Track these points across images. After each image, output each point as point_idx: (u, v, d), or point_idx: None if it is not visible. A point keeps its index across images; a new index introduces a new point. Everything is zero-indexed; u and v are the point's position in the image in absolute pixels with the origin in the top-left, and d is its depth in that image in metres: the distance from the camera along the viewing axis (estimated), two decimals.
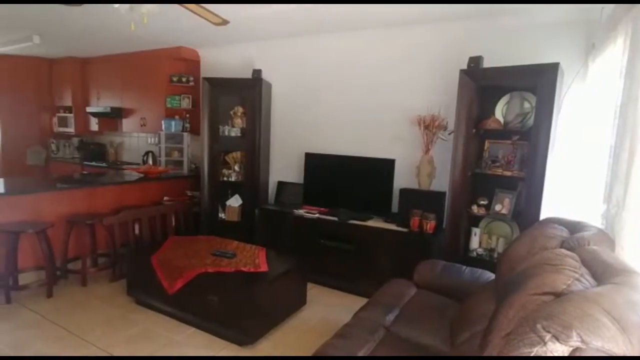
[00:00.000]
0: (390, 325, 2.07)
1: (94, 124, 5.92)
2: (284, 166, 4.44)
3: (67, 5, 2.49)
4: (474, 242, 3.18)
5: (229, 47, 4.70)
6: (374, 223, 3.46)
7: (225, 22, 2.69)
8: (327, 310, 3.19)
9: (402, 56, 3.66)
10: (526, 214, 2.77)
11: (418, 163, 3.43)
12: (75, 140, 6.22)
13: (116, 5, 2.25)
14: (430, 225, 3.19)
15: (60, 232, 3.44)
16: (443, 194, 3.28)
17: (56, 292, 3.24)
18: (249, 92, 4.10)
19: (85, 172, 5.20)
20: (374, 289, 2.63)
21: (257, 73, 4.11)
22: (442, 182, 3.36)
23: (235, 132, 4.18)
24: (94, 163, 5.65)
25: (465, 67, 2.96)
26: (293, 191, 4.22)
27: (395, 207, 3.53)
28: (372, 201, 3.68)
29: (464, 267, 2.56)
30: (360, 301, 3.24)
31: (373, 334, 1.94)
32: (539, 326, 0.96)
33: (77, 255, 3.56)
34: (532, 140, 2.73)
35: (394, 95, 3.71)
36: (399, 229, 3.31)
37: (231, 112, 4.20)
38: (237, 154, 4.26)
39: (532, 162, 2.74)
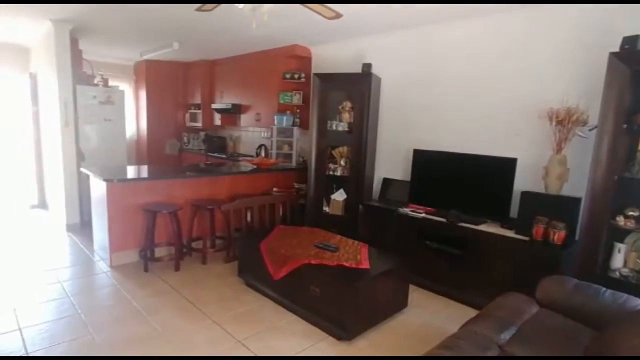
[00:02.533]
0: (505, 345, 1.83)
1: (217, 119, 6.58)
2: (390, 162, 4.31)
3: (201, 11, 2.76)
4: (618, 261, 2.65)
5: (340, 42, 4.75)
6: (488, 228, 3.13)
7: (338, 16, 2.68)
8: (429, 316, 3.01)
9: (525, 41, 3.23)
10: None
11: (546, 163, 2.99)
12: (202, 134, 7.01)
13: (240, 6, 2.42)
14: (558, 235, 2.76)
15: (187, 214, 3.89)
16: (578, 200, 2.80)
17: (182, 267, 3.68)
18: (358, 86, 4.07)
19: (208, 163, 5.81)
20: (484, 300, 2.38)
21: (366, 67, 4.07)
22: (576, 187, 2.88)
23: (342, 126, 4.20)
24: (216, 154, 6.28)
25: (615, 49, 2.47)
26: (398, 188, 4.08)
27: (514, 211, 3.14)
28: (487, 204, 3.34)
29: (603, 288, 2.15)
30: (467, 311, 3.02)
31: (484, 350, 1.73)
32: None
33: (199, 236, 3.99)
34: None
35: (516, 86, 3.30)
36: (519, 236, 2.94)
37: (339, 107, 4.23)
38: (344, 149, 4.28)
39: None
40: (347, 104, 4.20)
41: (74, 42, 4.76)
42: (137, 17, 4.11)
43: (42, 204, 5.89)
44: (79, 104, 4.85)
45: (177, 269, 3.63)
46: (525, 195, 3.01)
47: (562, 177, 2.91)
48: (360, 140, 4.09)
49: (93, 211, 4.07)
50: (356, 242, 3.27)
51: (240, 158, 5.72)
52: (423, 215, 3.50)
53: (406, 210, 3.63)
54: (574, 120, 2.81)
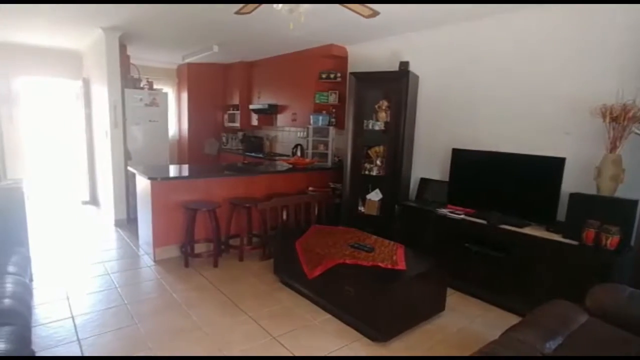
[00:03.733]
0: (550, 355, 1.73)
1: (254, 120, 6.72)
2: (428, 162, 4.22)
3: (240, 14, 2.82)
4: None
5: (376, 41, 4.70)
6: (532, 231, 2.98)
7: (375, 14, 2.65)
8: (467, 320, 2.90)
9: (574, 33, 3.05)
10: None
11: (597, 163, 2.80)
12: (239, 134, 7.17)
13: (278, 7, 2.44)
14: (612, 240, 2.57)
15: (225, 212, 4.00)
16: (634, 202, 2.60)
17: (220, 263, 3.78)
18: (395, 85, 4.01)
19: (245, 162, 5.94)
20: (526, 307, 2.28)
21: (404, 65, 4.00)
22: (633, 188, 2.69)
23: (379, 126, 4.15)
24: (253, 154, 6.41)
25: None
26: (436, 189, 3.98)
27: (561, 214, 2.97)
28: (531, 206, 3.18)
29: None
30: (507, 317, 2.90)
31: None
32: None
33: (237, 233, 4.08)
34: None
35: (565, 81, 3.12)
36: (566, 240, 2.77)
37: (376, 106, 4.19)
38: (380, 148, 4.23)
39: None
40: (384, 103, 4.14)
41: (122, 48, 5.03)
42: (180, 23, 4.27)
43: (94, 201, 6.27)
44: (127, 106, 5.11)
45: (215, 265, 3.74)
46: (575, 197, 2.83)
47: (617, 178, 2.71)
48: (397, 139, 4.02)
49: (138, 208, 4.28)
50: (392, 242, 3.22)
51: (277, 158, 5.80)
52: (462, 216, 3.39)
53: (444, 211, 3.53)
54: (631, 117, 2.61)
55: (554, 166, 3.01)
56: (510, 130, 3.49)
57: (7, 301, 1.91)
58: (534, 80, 3.32)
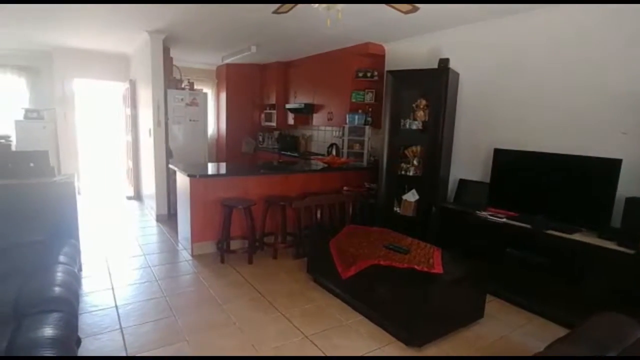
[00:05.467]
0: None
1: (290, 119, 6.77)
2: (468, 162, 4.06)
3: (278, 13, 2.84)
4: None
5: (415, 38, 4.59)
6: (582, 237, 2.78)
7: (415, 9, 2.58)
8: (508, 329, 2.76)
9: (633, 24, 2.81)
10: None
11: None
12: (275, 133, 7.26)
13: (315, 5, 2.44)
14: None
15: (260, 210, 4.05)
16: None
17: (254, 260, 3.83)
18: (434, 83, 3.89)
19: (281, 161, 6.00)
20: (573, 318, 2.14)
21: (443, 62, 3.87)
22: None
23: (416, 125, 4.05)
24: (288, 153, 6.46)
25: None
26: (476, 190, 3.82)
27: (615, 220, 2.76)
28: (581, 210, 2.98)
29: None
30: (552, 328, 2.74)
31: None
32: None
33: (271, 231, 4.12)
34: None
35: (623, 76, 2.89)
36: (622, 249, 2.57)
37: (413, 105, 4.08)
38: (417, 148, 4.12)
39: None
40: (422, 102, 4.03)
41: (166, 51, 5.23)
42: (220, 24, 4.38)
43: (137, 196, 6.57)
44: (169, 106, 5.31)
45: (250, 261, 3.79)
46: (632, 201, 2.62)
47: None
48: (435, 139, 3.90)
49: (178, 204, 4.43)
50: (428, 245, 3.12)
51: (312, 157, 5.81)
52: (504, 220, 3.23)
53: (485, 214, 3.39)
54: None
55: (608, 168, 2.80)
56: (558, 130, 3.29)
57: (57, 289, 2.02)
58: (585, 76, 3.11)
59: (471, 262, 2.88)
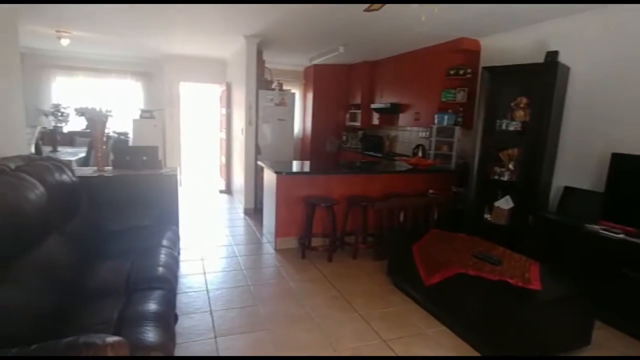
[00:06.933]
0: None
1: (375, 119, 6.70)
2: (575, 168, 3.60)
3: (369, 11, 2.81)
4: None
5: (516, 30, 4.20)
6: None
7: None
8: None
9: None
10: None
11: None
12: (359, 133, 7.24)
13: (415, 6, 2.35)
14: None
15: (342, 209, 4.06)
16: None
17: (334, 258, 3.86)
18: (539, 79, 3.51)
19: (364, 161, 5.95)
20: None
21: (551, 56, 3.48)
22: None
23: (514, 126, 3.69)
24: (371, 153, 6.39)
25: None
26: (585, 200, 3.36)
27: None
28: None
29: None
30: None
31: None
32: None
33: (351, 231, 4.11)
34: None
35: None
36: None
37: (512, 104, 3.73)
38: (514, 151, 3.76)
39: None
40: (522, 100, 3.67)
41: (258, 54, 5.53)
42: (310, 25, 4.49)
43: (228, 190, 7.08)
44: (259, 105, 5.61)
45: (329, 259, 3.83)
46: None
47: None
48: (537, 141, 3.52)
49: (264, 199, 4.65)
50: (524, 257, 2.82)
51: (396, 157, 5.67)
52: (622, 236, 2.79)
53: (596, 227, 2.96)
54: None
55: None
56: None
57: (160, 269, 2.25)
58: None
59: (576, 281, 2.53)
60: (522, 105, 3.67)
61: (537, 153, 3.53)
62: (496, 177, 3.87)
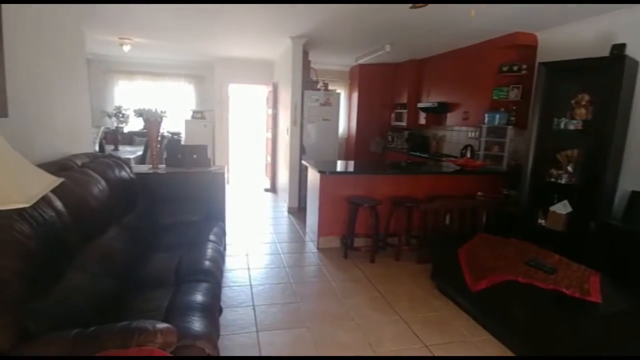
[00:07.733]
0: None
1: (422, 119, 6.53)
2: None
3: (415, 8, 2.75)
4: None
5: (577, 23, 3.91)
6: None
7: None
8: None
9: None
10: None
11: None
12: (405, 133, 7.09)
13: None
14: None
15: (386, 210, 4.00)
16: None
17: (376, 259, 3.82)
18: (603, 74, 3.24)
19: (409, 161, 5.83)
20: None
21: (618, 49, 3.20)
22: None
23: (574, 125, 3.44)
24: (417, 153, 6.24)
25: None
26: None
27: None
28: None
29: None
30: None
31: None
32: None
33: (395, 232, 4.04)
34: None
35: None
36: None
37: (572, 102, 3.48)
38: (573, 152, 3.51)
39: None
40: (584, 97, 3.41)
41: (305, 54, 5.60)
42: (357, 25, 4.47)
43: (273, 189, 7.23)
44: (305, 105, 5.68)
45: (372, 260, 3.79)
46: None
47: None
48: (600, 141, 3.26)
49: (308, 198, 4.70)
50: (582, 267, 2.62)
51: (443, 158, 5.50)
52: None
53: None
54: None
55: None
56: None
57: (207, 263, 2.35)
58: None
59: None
60: (583, 103, 3.41)
61: (601, 154, 3.26)
62: (552, 179, 3.63)
